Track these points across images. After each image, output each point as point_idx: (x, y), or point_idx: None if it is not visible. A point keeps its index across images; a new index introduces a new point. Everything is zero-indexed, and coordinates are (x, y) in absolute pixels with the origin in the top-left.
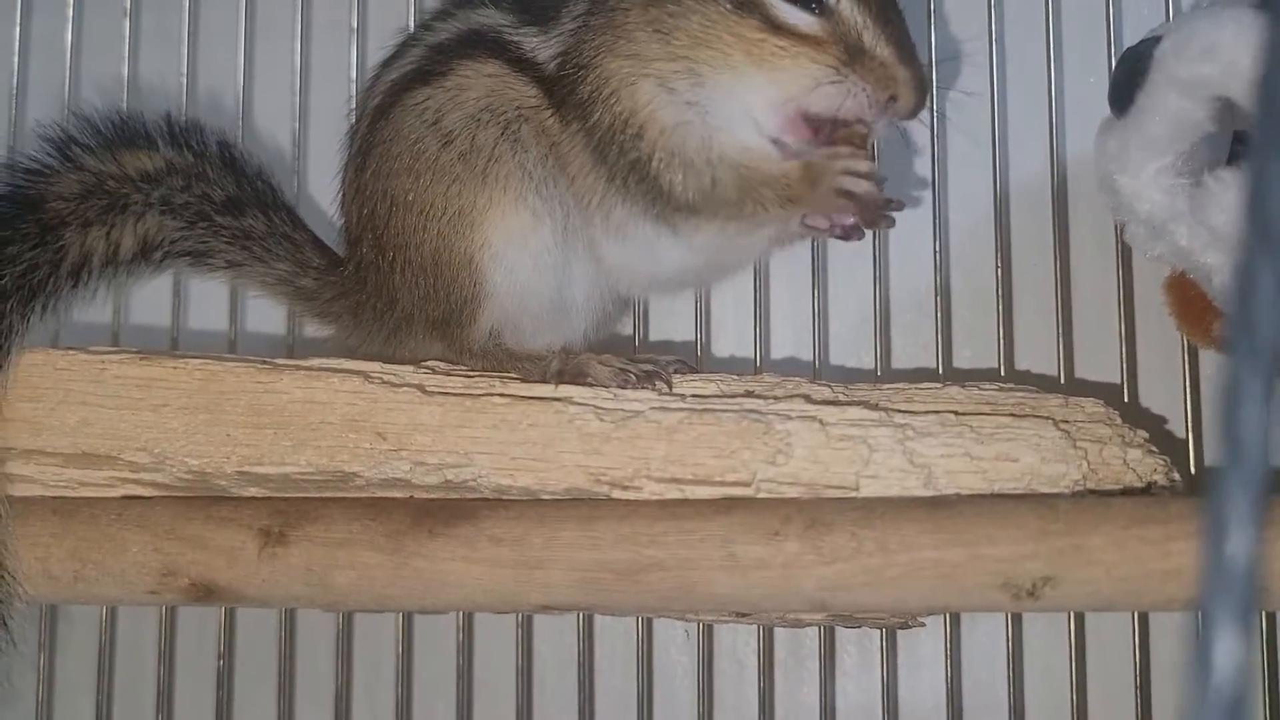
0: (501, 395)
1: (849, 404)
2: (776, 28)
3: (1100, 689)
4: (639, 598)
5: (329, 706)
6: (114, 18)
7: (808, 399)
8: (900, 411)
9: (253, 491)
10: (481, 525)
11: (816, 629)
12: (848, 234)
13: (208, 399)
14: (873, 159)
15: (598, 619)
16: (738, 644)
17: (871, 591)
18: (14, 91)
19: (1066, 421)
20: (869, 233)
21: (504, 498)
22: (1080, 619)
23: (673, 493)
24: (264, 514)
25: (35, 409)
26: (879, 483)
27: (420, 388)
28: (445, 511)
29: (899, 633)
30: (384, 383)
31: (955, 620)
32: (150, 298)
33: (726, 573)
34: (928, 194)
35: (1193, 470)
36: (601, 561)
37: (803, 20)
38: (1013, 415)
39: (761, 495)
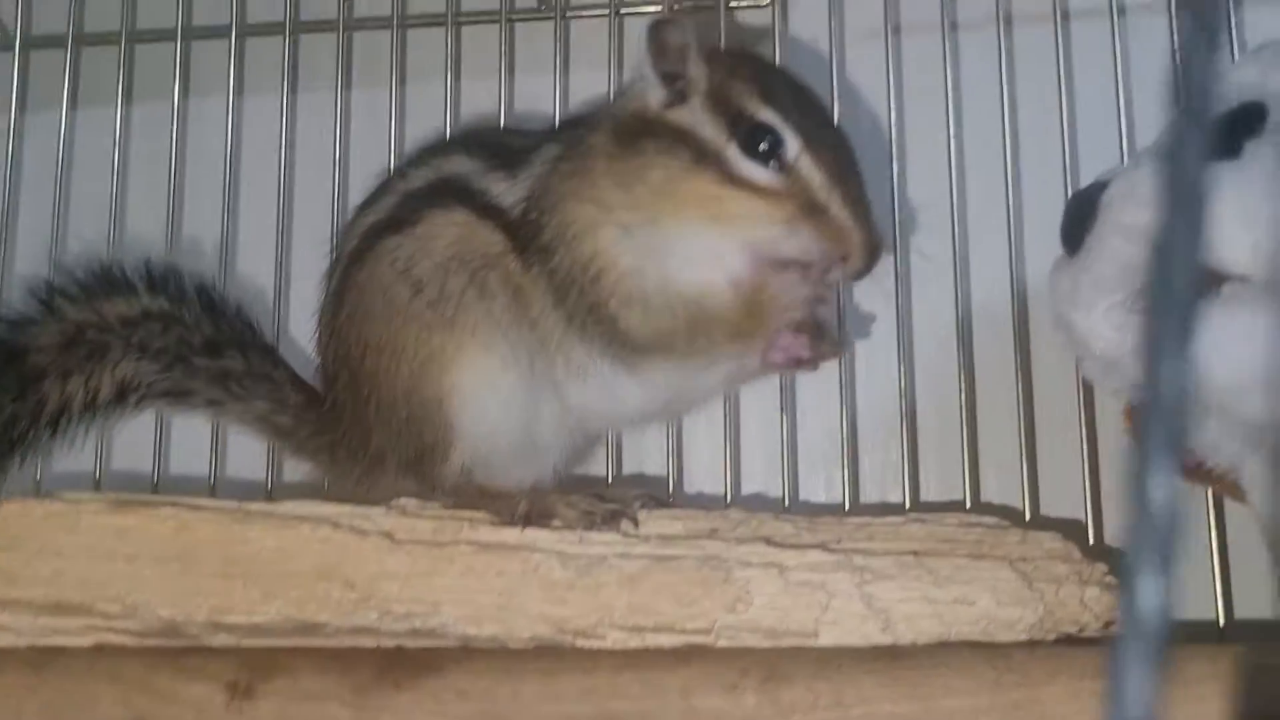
0: (469, 543)
1: (809, 546)
2: (734, 181)
3: None
4: None
5: None
6: (103, 168)
7: (768, 541)
8: (860, 553)
9: (222, 639)
10: (447, 678)
11: None
12: (800, 366)
13: (180, 548)
14: (820, 289)
15: None
16: None
17: None
18: (3, 241)
19: (1024, 560)
20: (821, 363)
21: (470, 646)
22: None
23: (635, 641)
24: (232, 666)
25: (11, 559)
26: (838, 628)
27: (389, 535)
28: (411, 664)
29: None
30: (353, 530)
31: None
32: (133, 442)
33: None
34: (893, 321)
35: None
36: (566, 714)
37: (760, 175)
38: (971, 556)
39: (722, 643)
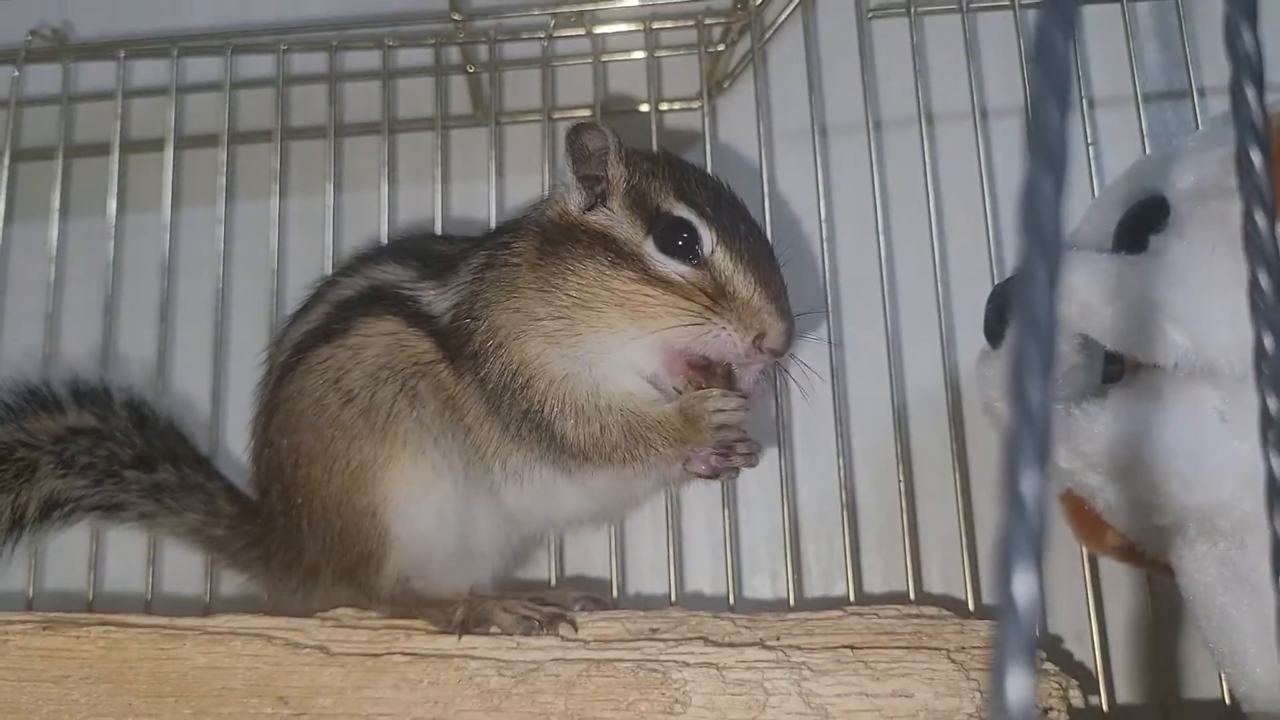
0: (404, 654)
1: (747, 645)
2: (652, 278)
3: None
4: None
5: None
6: (37, 291)
7: (707, 640)
8: (798, 649)
9: None
10: None
11: None
12: (717, 473)
13: (110, 668)
14: (743, 394)
15: None
16: None
17: None
18: None
19: (961, 650)
20: (745, 470)
21: None
22: None
23: None
24: None
25: None
26: None
27: (323, 649)
28: None
29: None
30: (287, 643)
31: None
32: (67, 559)
33: None
34: (831, 416)
35: (1102, 688)
36: None
37: (676, 270)
38: (908, 648)
39: None
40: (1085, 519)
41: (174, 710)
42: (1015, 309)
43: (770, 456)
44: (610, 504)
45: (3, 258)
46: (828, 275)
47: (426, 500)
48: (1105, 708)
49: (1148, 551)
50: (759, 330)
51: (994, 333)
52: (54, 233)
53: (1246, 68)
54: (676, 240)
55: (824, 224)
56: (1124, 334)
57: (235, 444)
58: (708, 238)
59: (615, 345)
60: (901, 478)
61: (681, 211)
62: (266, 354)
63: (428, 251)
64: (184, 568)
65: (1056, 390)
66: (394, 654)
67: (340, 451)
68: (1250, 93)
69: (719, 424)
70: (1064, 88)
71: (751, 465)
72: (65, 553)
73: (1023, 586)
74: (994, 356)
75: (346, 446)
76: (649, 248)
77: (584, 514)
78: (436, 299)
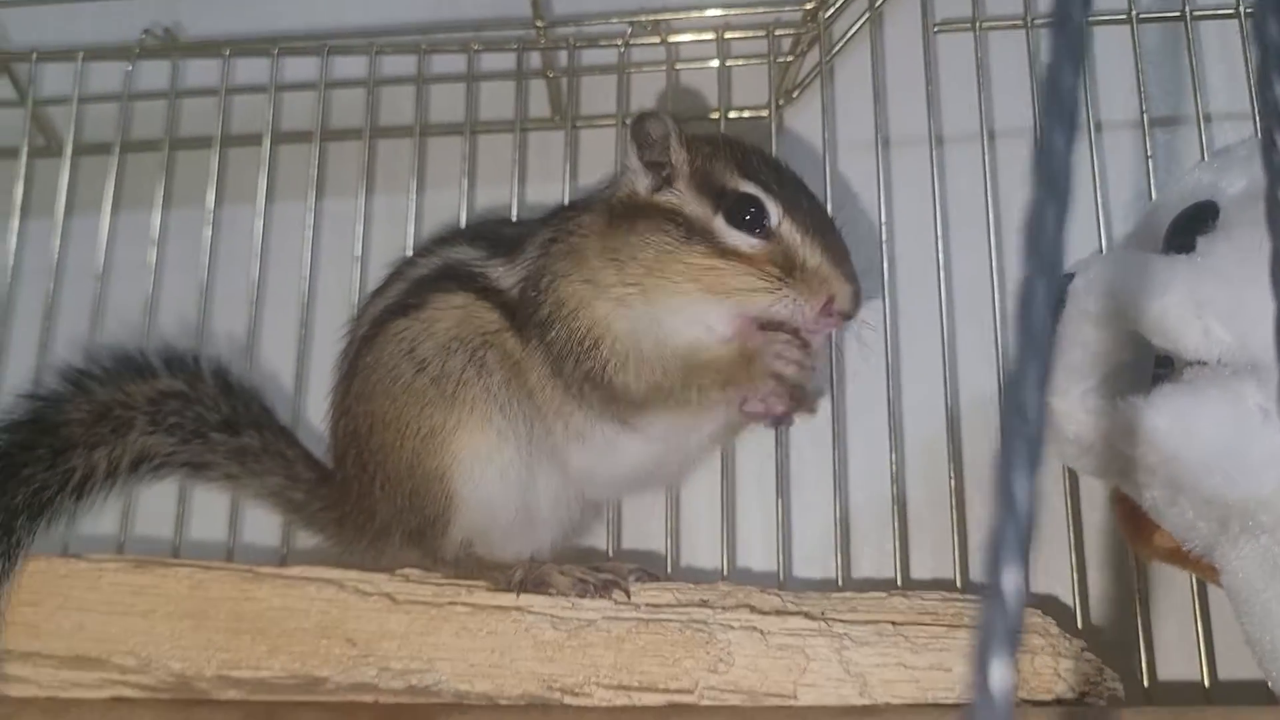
0: (465, 604)
1: (791, 614)
2: (724, 252)
3: None
4: None
5: None
6: (140, 274)
7: (752, 609)
8: (840, 621)
9: (230, 694)
10: None
11: None
12: (779, 421)
13: (194, 606)
14: (808, 350)
15: None
16: None
17: None
18: (48, 313)
19: None
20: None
21: (463, 703)
22: None
23: (621, 699)
24: (237, 718)
25: (35, 613)
26: (816, 691)
27: (390, 597)
28: (408, 715)
29: None
30: (357, 591)
31: None
32: (156, 512)
33: None
34: (884, 412)
35: (1145, 683)
36: None
37: (745, 243)
38: (949, 626)
39: (705, 702)
40: (1135, 521)
41: (250, 646)
42: (1016, 324)
43: (825, 447)
44: (669, 459)
45: (110, 242)
46: (886, 279)
47: (491, 465)
48: (1146, 683)
49: (1194, 551)
50: (828, 295)
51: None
52: (157, 220)
53: (1276, 116)
54: (744, 215)
55: (884, 229)
56: (1170, 330)
57: (315, 419)
58: (774, 210)
59: (685, 310)
60: (952, 474)
61: (747, 187)
62: (347, 330)
63: (498, 234)
64: (263, 524)
65: (1108, 388)
66: (456, 605)
67: (412, 417)
68: None
69: (776, 369)
70: (1071, 112)
71: (809, 412)
72: (154, 509)
73: (1010, 579)
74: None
75: (418, 412)
76: (718, 223)
77: (643, 471)
78: (505, 274)
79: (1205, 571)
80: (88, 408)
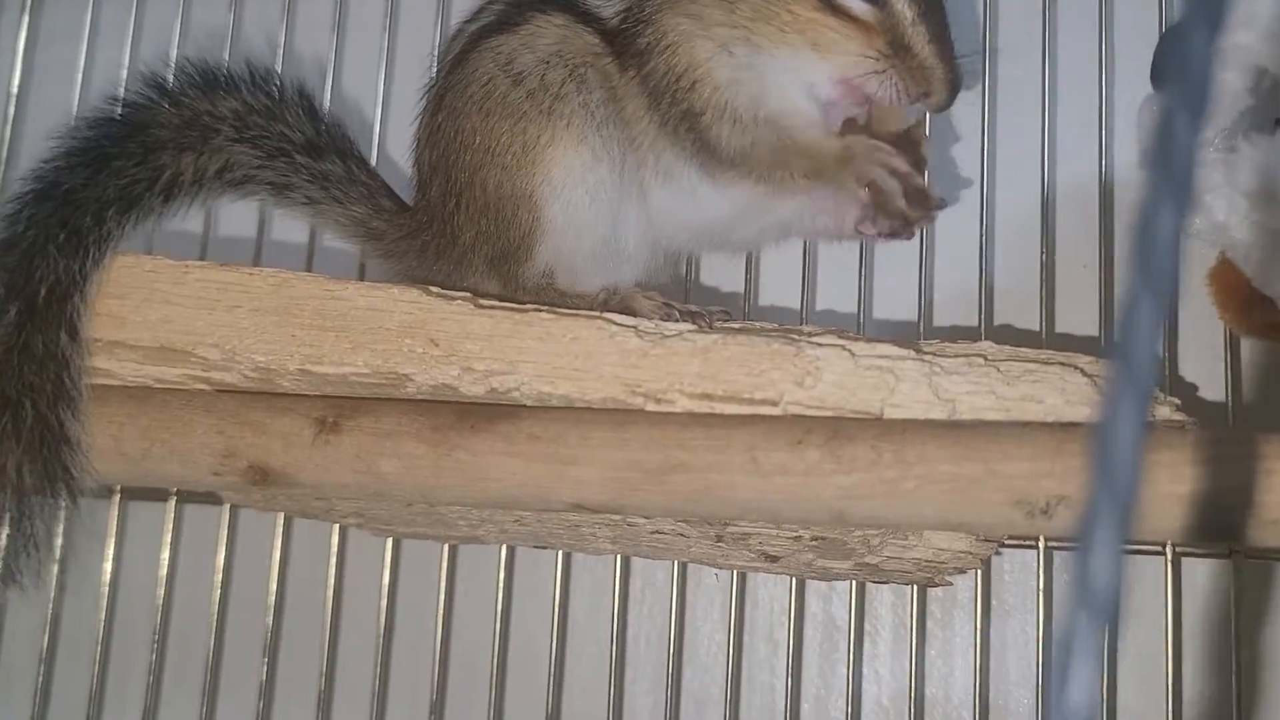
0: (548, 312)
1: (880, 342)
2: (834, 10)
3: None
4: (665, 499)
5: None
6: None
7: (841, 334)
8: (931, 352)
9: (312, 389)
10: (521, 424)
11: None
12: (894, 234)
13: (278, 303)
14: (922, 161)
15: (633, 567)
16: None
17: (888, 503)
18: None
19: (1097, 373)
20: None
21: (544, 404)
22: None
23: (703, 407)
24: (320, 406)
25: (121, 305)
26: (903, 411)
27: (473, 301)
28: (488, 411)
29: (929, 627)
30: (440, 295)
31: (986, 610)
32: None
33: (748, 476)
34: (975, 189)
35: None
36: (631, 461)
37: (857, 6)
38: (1043, 362)
39: (790, 414)
40: (1235, 294)
41: (333, 343)
42: (1133, 246)
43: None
44: (749, 222)
45: None
46: (987, 51)
47: (583, 185)
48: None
49: None
50: (926, 88)
51: (1161, 73)
52: None
53: None
54: None
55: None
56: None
57: (396, 154)
58: None
59: (787, 64)
60: (1045, 250)
61: None
62: (439, 54)
63: None
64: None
65: (1225, 140)
66: (539, 311)
67: (504, 133)
68: None
69: (872, 178)
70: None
71: (927, 221)
72: (233, 235)
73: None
74: (1158, 100)
75: (510, 127)
76: None
77: (723, 224)
78: (605, 3)
79: None
80: (176, 113)
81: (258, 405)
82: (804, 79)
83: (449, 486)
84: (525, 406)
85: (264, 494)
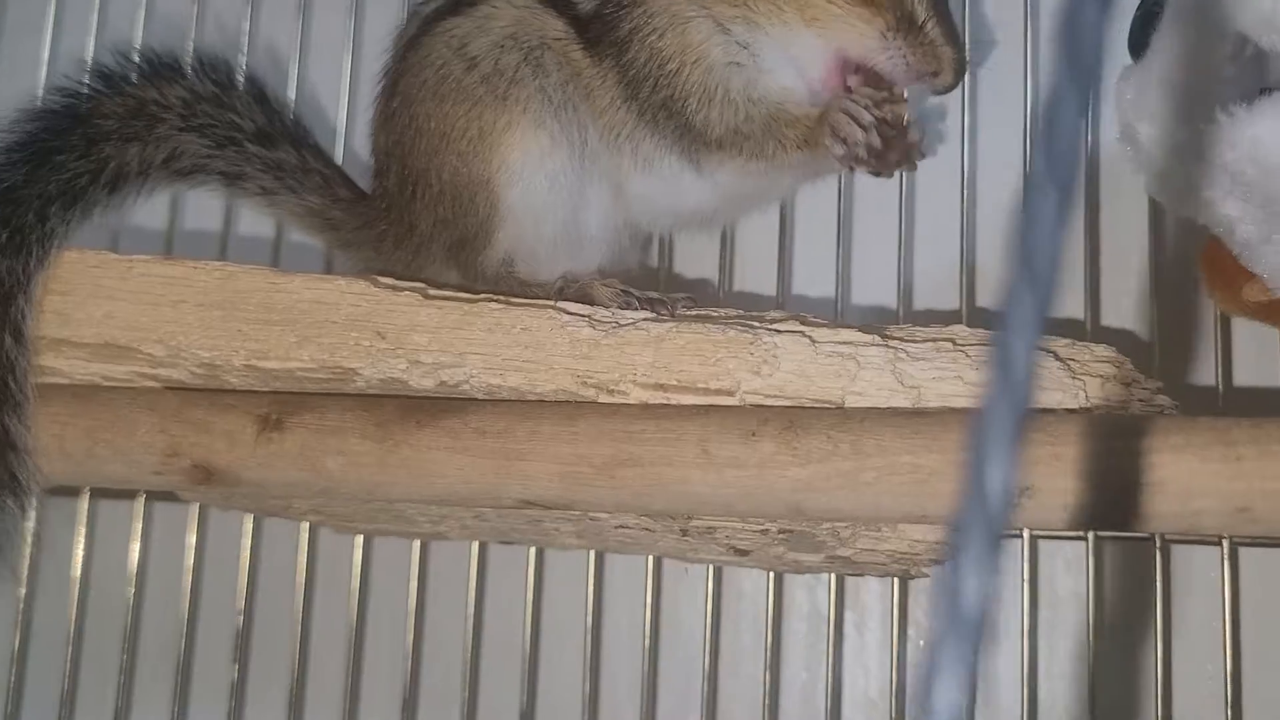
0: (499, 301)
1: (843, 328)
2: None
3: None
4: (616, 494)
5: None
6: None
7: (804, 320)
8: (897, 338)
9: (259, 385)
10: (468, 418)
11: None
12: (877, 173)
13: (223, 296)
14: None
15: (611, 558)
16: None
17: (846, 495)
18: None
19: (1071, 358)
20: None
21: (494, 397)
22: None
23: (657, 398)
24: (264, 403)
25: (65, 301)
26: (865, 400)
27: (421, 292)
28: (434, 406)
29: (916, 617)
30: (388, 287)
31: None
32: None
33: (701, 470)
34: (955, 168)
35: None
36: (580, 455)
37: None
38: None
39: (746, 404)
40: (1223, 269)
41: (279, 337)
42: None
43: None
44: (733, 201)
45: None
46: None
47: (541, 170)
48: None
49: None
50: (935, 69)
51: (1137, 42)
52: None
53: None
54: None
55: None
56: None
57: (359, 147)
58: None
59: (786, 44)
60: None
61: None
62: (394, 37)
63: None
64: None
65: (1213, 101)
66: (490, 301)
67: (459, 118)
68: None
69: (839, 128)
70: None
71: (909, 168)
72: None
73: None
74: (1136, 71)
75: (467, 112)
76: None
77: (706, 208)
78: None
79: None
80: (121, 102)
81: (201, 403)
82: (801, 57)
83: (395, 484)
84: (475, 400)
85: (218, 492)
